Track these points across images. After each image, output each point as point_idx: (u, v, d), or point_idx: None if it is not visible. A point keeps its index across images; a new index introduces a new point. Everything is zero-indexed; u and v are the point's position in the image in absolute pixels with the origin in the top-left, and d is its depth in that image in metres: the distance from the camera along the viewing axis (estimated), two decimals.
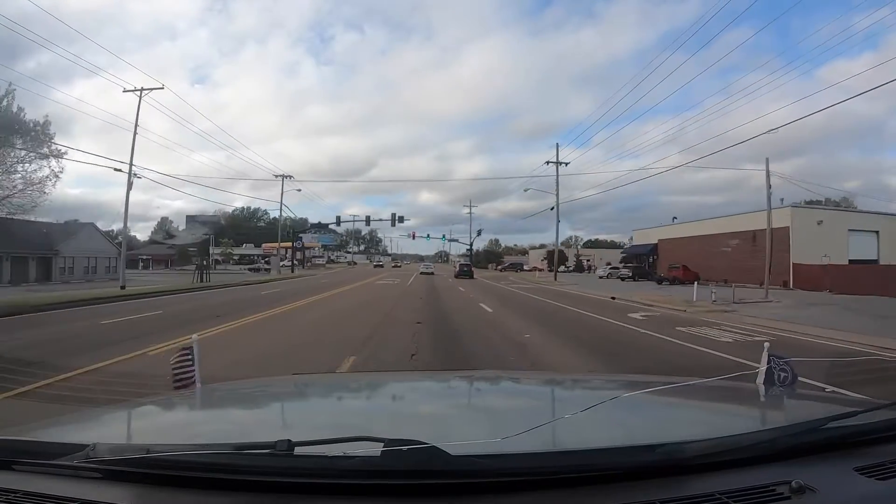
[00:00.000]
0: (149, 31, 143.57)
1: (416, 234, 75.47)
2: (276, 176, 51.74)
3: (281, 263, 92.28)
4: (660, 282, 38.79)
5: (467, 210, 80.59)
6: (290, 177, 52.20)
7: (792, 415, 1.75)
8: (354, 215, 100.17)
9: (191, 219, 38.66)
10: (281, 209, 52.91)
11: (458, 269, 50.26)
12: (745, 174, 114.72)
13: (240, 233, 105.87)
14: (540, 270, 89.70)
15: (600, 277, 50.68)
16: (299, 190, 52.89)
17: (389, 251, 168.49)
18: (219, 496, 1.02)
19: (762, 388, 1.93)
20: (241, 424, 1.70)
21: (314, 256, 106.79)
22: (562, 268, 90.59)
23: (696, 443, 1.13)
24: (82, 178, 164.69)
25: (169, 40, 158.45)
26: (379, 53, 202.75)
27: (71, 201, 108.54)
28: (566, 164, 41.30)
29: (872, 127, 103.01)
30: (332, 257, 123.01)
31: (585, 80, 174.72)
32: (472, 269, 53.20)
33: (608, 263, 59.57)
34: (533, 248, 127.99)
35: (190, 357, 2.13)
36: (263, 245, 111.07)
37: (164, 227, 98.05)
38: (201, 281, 31.95)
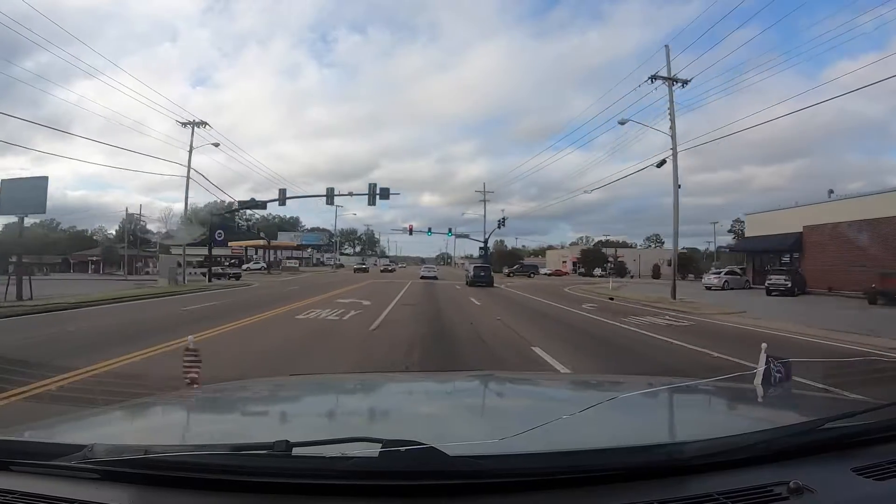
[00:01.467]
0: (149, 31, 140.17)
1: (415, 229, 57.83)
2: (185, 124, 31.72)
3: (246, 267, 73.22)
4: (873, 300, 20.37)
5: (470, 213, 61.50)
6: (205, 124, 32.36)
7: (790, 415, 1.74)
8: (337, 204, 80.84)
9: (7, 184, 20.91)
10: (189, 174, 31.58)
11: (471, 273, 35.55)
12: (748, 175, 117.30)
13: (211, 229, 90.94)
14: (564, 273, 70.83)
15: (708, 287, 31.99)
16: (216, 144, 33.90)
17: (388, 252, 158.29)
18: (217, 497, 1.01)
19: (760, 389, 1.91)
20: (240, 425, 1.69)
21: (289, 258, 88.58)
22: (597, 271, 71.94)
23: (695, 443, 1.13)
24: (84, 181, 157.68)
25: (169, 41, 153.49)
26: (381, 55, 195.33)
27: (72, 203, 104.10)
28: (683, 82, 22.83)
29: (876, 127, 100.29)
30: (321, 259, 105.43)
31: (589, 81, 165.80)
32: (492, 273, 37.93)
33: (728, 268, 38.39)
34: (548, 247, 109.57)
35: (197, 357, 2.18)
36: (230, 244, 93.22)
37: (130, 224, 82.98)
38: (19, 298, 18.45)
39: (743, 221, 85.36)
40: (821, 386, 4.65)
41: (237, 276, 42.28)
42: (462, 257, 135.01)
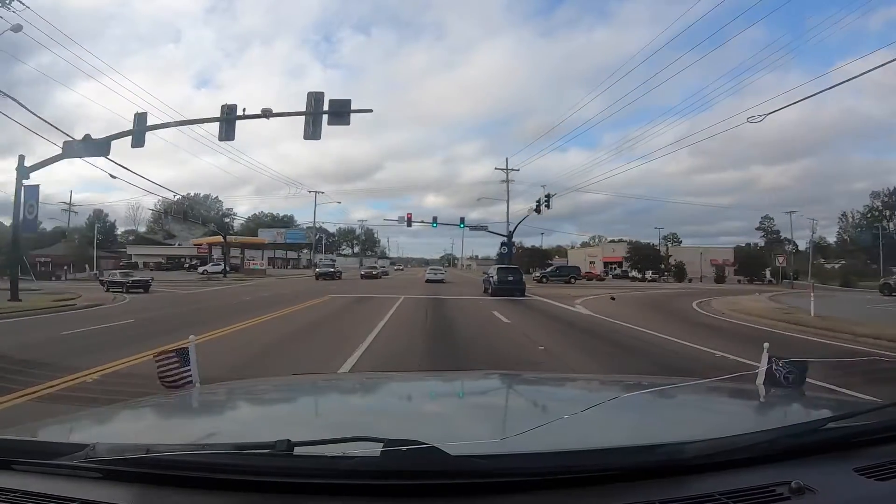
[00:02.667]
0: (152, 31, 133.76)
1: (420, 222, 42.37)
2: None
3: (203, 269, 58.04)
4: None
5: (475, 214, 43.19)
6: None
7: (792, 415, 1.73)
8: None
9: None
10: None
11: (495, 278, 25.01)
12: (755, 175, 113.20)
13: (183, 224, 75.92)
14: (596, 276, 55.54)
15: None
16: (17, 29, 17.95)
17: (388, 253, 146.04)
18: (218, 496, 1.01)
19: (762, 389, 1.89)
20: (241, 424, 1.68)
21: (273, 258, 73.96)
22: (649, 273, 56.45)
23: (696, 443, 1.12)
24: (89, 183, 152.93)
25: (172, 42, 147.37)
26: (386, 55, 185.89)
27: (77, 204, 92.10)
28: None
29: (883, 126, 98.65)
30: (312, 260, 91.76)
31: (596, 80, 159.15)
32: (523, 276, 27.35)
33: None
34: (556, 246, 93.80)
35: (175, 359, 2.13)
36: (194, 242, 78.49)
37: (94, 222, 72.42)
38: None
39: (772, 218, 70.07)
40: (822, 385, 4.78)
41: (144, 287, 27.55)
42: (469, 258, 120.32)
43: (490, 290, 23.96)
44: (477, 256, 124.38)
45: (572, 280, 45.56)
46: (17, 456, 1.14)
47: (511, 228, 42.14)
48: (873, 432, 1.23)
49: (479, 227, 44.27)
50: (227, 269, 50.91)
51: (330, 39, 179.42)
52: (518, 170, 45.01)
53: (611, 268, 71.41)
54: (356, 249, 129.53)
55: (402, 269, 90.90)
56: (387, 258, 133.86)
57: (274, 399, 2.07)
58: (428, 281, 36.67)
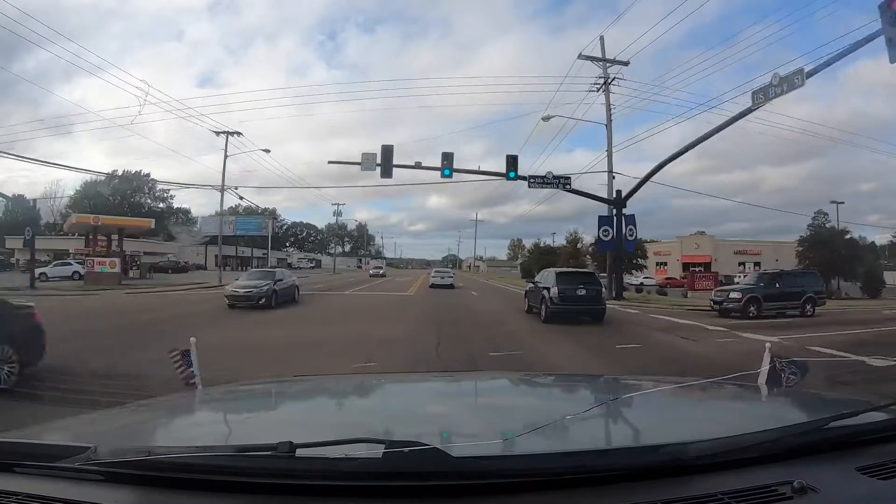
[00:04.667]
0: (154, 28, 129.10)
1: (428, 172, 18.92)
2: None
3: (48, 270, 33.10)
4: None
5: (481, 215, 22.50)
6: None
7: (794, 415, 1.73)
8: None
9: None
10: None
11: (554, 291, 13.57)
12: (760, 176, 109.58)
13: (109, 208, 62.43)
14: (678, 283, 31.49)
15: None
16: None
17: (384, 253, 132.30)
18: (220, 498, 1.02)
19: (764, 389, 1.90)
20: (243, 426, 1.68)
21: (229, 256, 51.19)
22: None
23: (699, 443, 1.12)
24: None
25: (175, 39, 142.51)
26: (390, 54, 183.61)
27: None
28: None
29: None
30: (289, 261, 68.75)
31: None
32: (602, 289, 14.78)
33: None
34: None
35: (180, 358, 2.12)
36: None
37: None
38: None
39: (826, 213, 46.49)
40: (824, 385, 4.70)
41: None
42: (478, 259, 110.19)
43: (544, 314, 13.75)
44: (482, 257, 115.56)
45: (810, 308, 17.72)
46: (19, 458, 1.14)
47: (622, 194, 18.98)
48: (876, 431, 1.24)
49: (548, 183, 20.46)
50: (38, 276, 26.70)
51: (334, 37, 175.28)
52: (627, 62, 21.88)
53: (693, 271, 46.53)
54: (348, 248, 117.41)
55: (381, 274, 51.46)
56: (381, 258, 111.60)
57: (276, 401, 2.07)
58: (433, 286, 30.49)
